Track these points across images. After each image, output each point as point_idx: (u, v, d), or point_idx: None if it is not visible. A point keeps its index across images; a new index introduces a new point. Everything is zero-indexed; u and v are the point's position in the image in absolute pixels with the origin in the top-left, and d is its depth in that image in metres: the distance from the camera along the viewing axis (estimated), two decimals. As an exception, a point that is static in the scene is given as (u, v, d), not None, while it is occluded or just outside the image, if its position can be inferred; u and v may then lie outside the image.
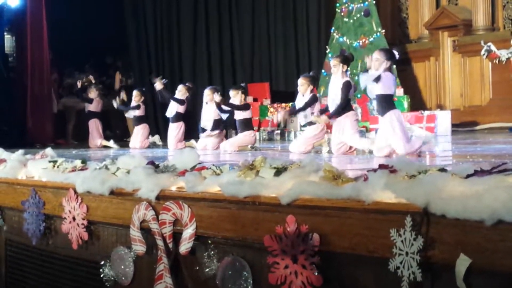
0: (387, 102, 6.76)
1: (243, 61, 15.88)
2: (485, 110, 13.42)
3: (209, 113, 10.29)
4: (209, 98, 10.28)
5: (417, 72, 14.71)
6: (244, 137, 9.59)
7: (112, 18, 15.50)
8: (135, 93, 11.75)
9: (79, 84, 12.60)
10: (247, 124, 9.70)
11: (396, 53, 6.80)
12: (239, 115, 9.74)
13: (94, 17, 14.93)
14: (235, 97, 9.74)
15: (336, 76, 7.74)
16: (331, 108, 7.74)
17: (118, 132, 15.08)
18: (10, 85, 13.24)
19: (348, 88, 7.61)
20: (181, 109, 10.87)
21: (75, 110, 14.45)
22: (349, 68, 7.84)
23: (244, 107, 9.78)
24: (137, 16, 15.68)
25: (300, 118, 8.61)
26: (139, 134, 11.63)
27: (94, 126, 12.32)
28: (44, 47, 13.18)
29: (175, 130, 10.86)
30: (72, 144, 13.28)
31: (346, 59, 7.82)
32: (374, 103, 12.21)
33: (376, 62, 6.71)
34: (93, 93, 12.34)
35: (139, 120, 11.73)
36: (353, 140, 7.57)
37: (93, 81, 12.62)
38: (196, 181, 4.41)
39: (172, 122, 10.95)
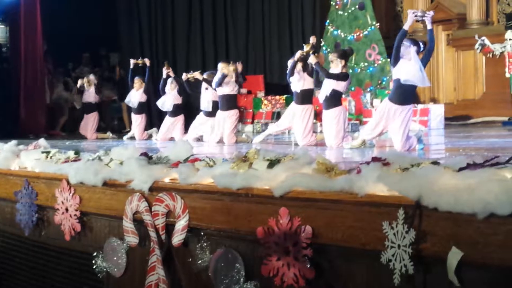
0: (413, 93, 6.71)
1: (238, 54, 15.84)
2: (478, 104, 13.44)
3: (207, 97, 10.24)
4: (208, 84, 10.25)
5: (411, 65, 14.68)
6: (231, 122, 9.52)
7: (105, 10, 15.44)
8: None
9: (79, 84, 12.43)
10: (230, 100, 9.62)
11: (421, 43, 6.73)
12: (221, 90, 9.57)
13: (88, 8, 14.87)
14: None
15: (336, 70, 7.70)
16: (324, 99, 7.71)
17: (115, 123, 15.04)
18: (3, 75, 13.20)
19: (341, 76, 7.57)
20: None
21: (69, 104, 14.34)
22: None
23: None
24: (130, 8, 15.62)
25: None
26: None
27: (92, 119, 12.24)
28: (37, 37, 13.12)
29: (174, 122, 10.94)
30: (63, 136, 13.18)
31: (344, 54, 7.82)
32: (368, 96, 12.29)
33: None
34: (90, 84, 12.25)
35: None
36: (338, 137, 7.57)
37: (95, 82, 12.41)
38: (189, 173, 4.42)
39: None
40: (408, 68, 6.52)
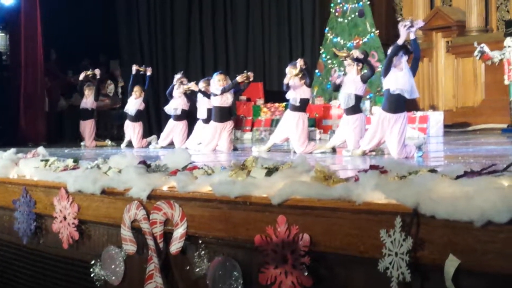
0: (405, 101, 6.75)
1: (237, 61, 15.88)
2: (478, 111, 13.46)
3: (203, 104, 10.28)
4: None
5: (410, 72, 14.70)
6: (227, 133, 9.53)
7: (105, 17, 15.47)
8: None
9: (82, 76, 12.39)
10: (224, 112, 9.62)
11: (409, 46, 6.81)
12: (216, 101, 9.58)
13: (88, 15, 14.90)
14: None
15: (352, 74, 7.81)
16: (346, 104, 7.83)
17: (114, 131, 15.01)
18: (3, 83, 13.20)
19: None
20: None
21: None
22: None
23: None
24: (130, 15, 15.65)
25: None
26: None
27: (89, 126, 12.25)
28: (38, 46, 13.13)
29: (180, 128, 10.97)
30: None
31: (358, 58, 7.91)
32: (367, 103, 12.30)
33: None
34: (89, 91, 12.24)
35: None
36: (354, 141, 7.62)
37: (98, 76, 12.36)
38: (188, 181, 4.41)
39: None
40: (398, 78, 6.62)
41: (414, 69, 6.75)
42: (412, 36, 6.74)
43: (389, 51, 6.89)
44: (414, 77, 6.76)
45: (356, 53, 7.99)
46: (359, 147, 7.34)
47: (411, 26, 6.67)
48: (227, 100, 9.52)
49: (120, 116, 14.71)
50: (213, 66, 15.66)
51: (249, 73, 9.51)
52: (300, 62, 8.54)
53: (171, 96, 10.99)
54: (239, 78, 9.40)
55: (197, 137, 10.31)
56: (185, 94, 10.73)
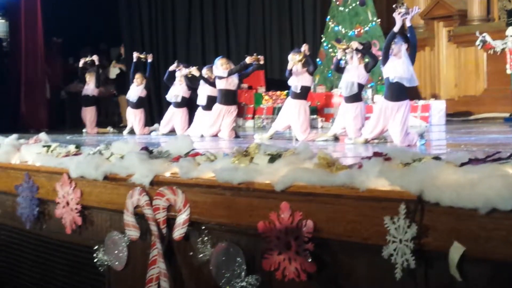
0: (406, 89, 6.75)
1: (238, 50, 15.81)
2: (479, 100, 13.44)
3: (204, 91, 10.27)
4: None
5: (412, 61, 14.68)
6: (231, 118, 9.53)
7: (106, 4, 15.42)
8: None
9: (81, 63, 12.36)
10: (229, 95, 9.63)
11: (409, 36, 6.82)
12: (220, 84, 9.59)
13: (89, 2, 14.85)
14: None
15: (353, 64, 7.84)
16: (349, 91, 7.90)
17: (116, 118, 14.99)
18: (4, 70, 13.18)
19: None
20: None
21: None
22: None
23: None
24: (131, 2, 15.59)
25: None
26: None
27: (91, 113, 12.24)
28: (38, 32, 13.10)
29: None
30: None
31: (358, 49, 7.91)
32: (369, 91, 12.29)
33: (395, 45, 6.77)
34: (90, 77, 12.23)
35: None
36: (354, 129, 7.65)
37: (97, 63, 12.33)
38: (190, 167, 4.41)
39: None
40: (397, 67, 6.64)
41: (412, 56, 6.75)
42: (408, 24, 6.75)
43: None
44: (413, 65, 6.76)
45: (355, 45, 7.97)
46: (360, 135, 7.34)
47: (406, 13, 6.69)
48: (233, 82, 9.54)
49: (118, 103, 14.72)
50: (214, 53, 15.58)
51: (259, 56, 9.49)
52: (305, 47, 8.54)
53: (169, 82, 10.98)
54: (248, 60, 9.38)
55: (198, 124, 10.31)
56: (186, 77, 10.67)
